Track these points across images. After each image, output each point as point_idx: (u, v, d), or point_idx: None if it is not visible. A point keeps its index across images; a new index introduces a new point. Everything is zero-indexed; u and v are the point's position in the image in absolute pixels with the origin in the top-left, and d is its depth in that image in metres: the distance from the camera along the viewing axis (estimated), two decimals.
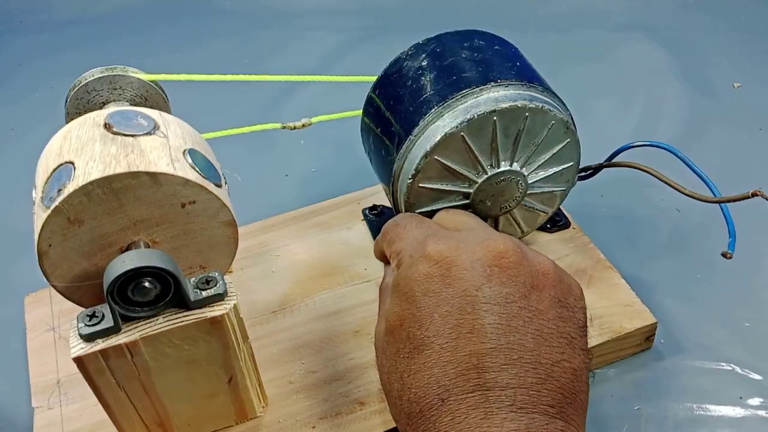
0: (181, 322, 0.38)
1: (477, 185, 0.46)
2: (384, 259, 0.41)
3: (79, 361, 0.37)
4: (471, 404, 0.30)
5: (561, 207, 0.54)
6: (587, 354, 0.34)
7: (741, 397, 0.49)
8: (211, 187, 0.40)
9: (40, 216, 0.38)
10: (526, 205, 0.50)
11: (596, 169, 0.52)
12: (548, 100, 0.45)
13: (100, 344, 0.37)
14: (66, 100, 0.47)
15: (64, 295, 0.41)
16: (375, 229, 0.58)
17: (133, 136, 0.39)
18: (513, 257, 0.34)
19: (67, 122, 0.45)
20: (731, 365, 0.51)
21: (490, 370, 0.31)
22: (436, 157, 0.45)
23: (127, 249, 0.40)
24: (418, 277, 0.34)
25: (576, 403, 0.32)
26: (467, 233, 0.37)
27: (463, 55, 0.47)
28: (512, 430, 0.29)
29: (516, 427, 0.29)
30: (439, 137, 0.44)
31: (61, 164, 0.38)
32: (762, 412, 0.48)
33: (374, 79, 0.50)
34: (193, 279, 0.39)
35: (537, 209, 0.51)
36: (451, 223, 0.40)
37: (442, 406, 0.31)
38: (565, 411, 0.31)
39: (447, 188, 0.46)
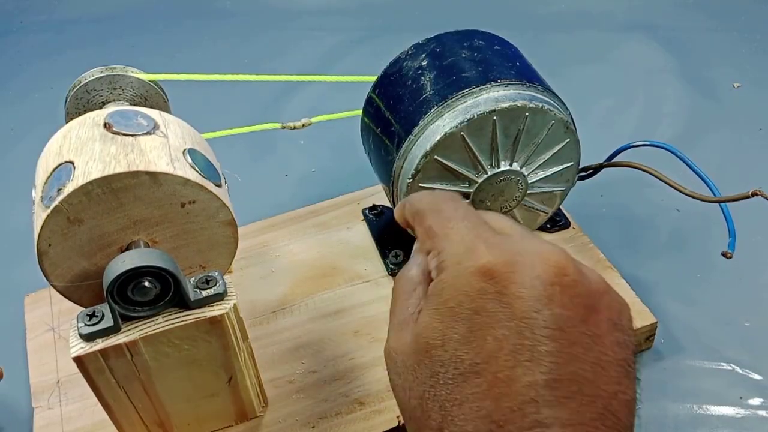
0: (181, 321, 0.38)
1: (477, 185, 0.46)
2: (408, 226, 0.36)
3: (78, 360, 0.37)
4: None
5: (561, 207, 0.54)
6: (638, 383, 0.30)
7: (741, 397, 0.49)
8: (210, 186, 0.40)
9: (40, 216, 0.38)
10: (526, 205, 0.50)
11: (596, 169, 0.52)
12: (548, 99, 0.45)
13: (100, 344, 0.37)
14: (66, 100, 0.47)
15: (63, 295, 0.41)
16: (375, 229, 0.58)
17: (132, 135, 0.39)
18: (573, 275, 0.30)
19: (66, 122, 0.45)
20: (731, 365, 0.51)
21: (549, 405, 0.27)
22: (436, 156, 0.45)
23: (127, 248, 0.40)
24: (471, 291, 0.29)
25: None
26: (521, 241, 0.32)
27: (463, 55, 0.47)
28: None
29: None
30: (438, 137, 0.44)
31: (61, 164, 0.38)
32: (762, 412, 0.48)
33: (374, 79, 0.50)
34: (193, 279, 0.39)
35: (537, 209, 0.51)
36: (498, 224, 0.34)
37: None
38: None
39: (447, 188, 0.46)
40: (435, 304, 0.30)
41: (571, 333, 0.29)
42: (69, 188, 0.37)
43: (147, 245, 0.40)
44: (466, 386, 0.28)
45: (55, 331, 0.53)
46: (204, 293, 0.39)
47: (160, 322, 0.38)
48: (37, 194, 0.39)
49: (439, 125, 0.44)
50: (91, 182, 0.36)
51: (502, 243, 0.31)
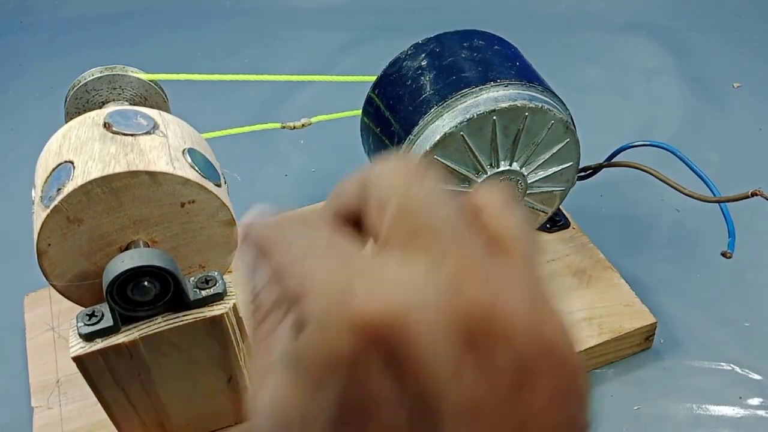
0: (181, 321, 0.38)
1: (477, 185, 0.46)
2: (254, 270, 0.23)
3: (78, 360, 0.37)
4: None
5: (560, 207, 0.54)
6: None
7: (741, 397, 0.49)
8: (210, 186, 0.40)
9: (40, 215, 0.37)
10: (526, 205, 0.50)
11: (596, 169, 0.52)
12: (548, 99, 0.45)
13: (100, 344, 0.37)
14: (65, 100, 0.47)
15: (63, 295, 0.41)
16: None
17: (132, 135, 0.39)
18: (508, 319, 0.19)
19: (66, 122, 0.45)
20: (731, 365, 0.51)
21: None
22: (435, 156, 0.45)
23: (127, 248, 0.39)
24: (342, 359, 0.18)
25: None
26: (422, 258, 0.19)
27: (463, 55, 0.47)
28: None
29: None
30: (438, 137, 0.44)
31: (61, 163, 0.38)
32: (761, 412, 0.48)
33: (374, 79, 0.50)
34: (193, 278, 0.39)
35: (537, 209, 0.51)
36: (402, 225, 0.21)
37: None
38: None
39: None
40: (293, 373, 0.20)
41: (491, 416, 0.19)
42: (69, 188, 0.37)
43: (147, 245, 0.40)
44: None
45: (55, 331, 0.53)
46: (204, 293, 0.39)
47: (160, 322, 0.38)
48: (36, 194, 0.39)
49: (439, 125, 0.44)
50: (90, 182, 0.36)
51: (389, 271, 0.19)
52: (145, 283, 0.37)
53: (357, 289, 0.18)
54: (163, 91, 0.49)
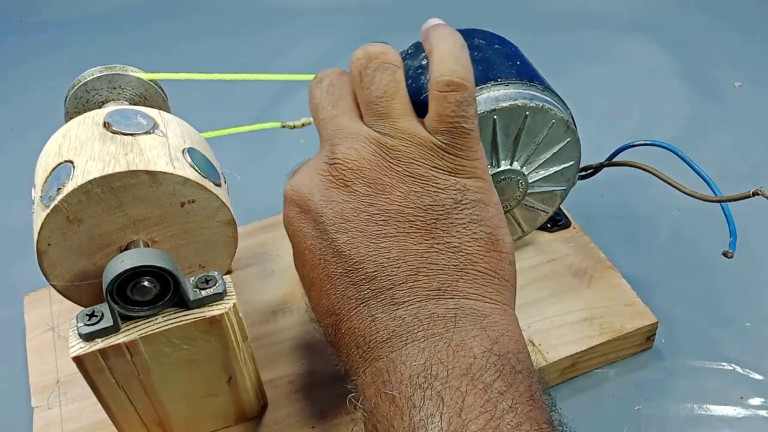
0: (181, 321, 0.38)
1: None
2: None
3: (78, 360, 0.37)
4: (359, 318, 0.32)
5: (561, 206, 0.54)
6: (481, 225, 0.34)
7: (742, 397, 0.49)
8: (210, 186, 0.40)
9: (40, 215, 0.37)
10: (526, 205, 0.50)
11: (597, 169, 0.52)
12: (548, 99, 0.45)
13: (100, 344, 0.37)
14: (65, 100, 0.47)
15: (63, 295, 0.41)
16: None
17: (132, 135, 0.39)
18: (344, 166, 0.34)
19: (66, 121, 0.45)
20: (732, 365, 0.51)
21: (362, 283, 0.32)
22: None
23: (127, 248, 0.39)
24: (286, 219, 0.37)
25: (469, 276, 0.33)
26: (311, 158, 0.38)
27: None
28: (398, 325, 0.31)
29: (399, 323, 0.31)
30: None
31: (60, 163, 0.38)
32: (763, 412, 0.48)
33: None
34: (193, 278, 0.39)
35: (537, 208, 0.51)
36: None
37: (338, 326, 0.34)
38: (457, 288, 0.32)
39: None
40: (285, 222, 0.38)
41: (359, 220, 0.33)
42: (68, 188, 0.37)
43: (146, 245, 0.40)
44: (311, 292, 0.36)
45: (55, 331, 0.53)
46: (203, 293, 0.39)
47: (160, 322, 0.38)
48: (36, 194, 0.39)
49: None
50: (90, 181, 0.36)
51: (309, 162, 0.38)
52: (145, 283, 0.37)
53: (292, 177, 0.38)
54: (162, 90, 0.49)
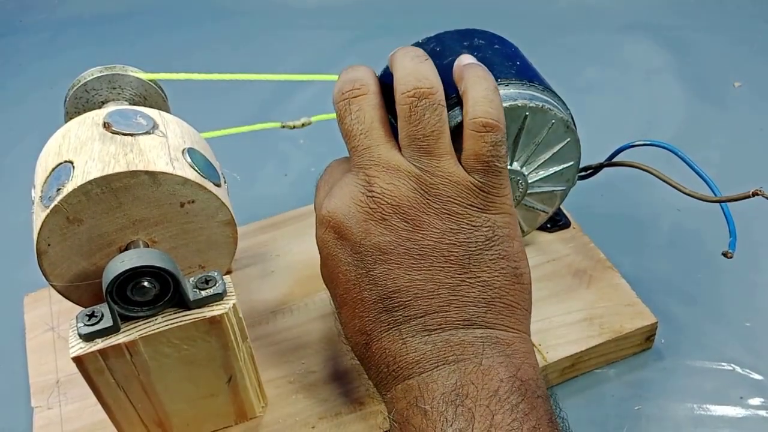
0: (180, 321, 0.38)
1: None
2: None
3: (78, 360, 0.37)
4: (390, 340, 0.34)
5: (561, 206, 0.54)
6: (508, 260, 0.36)
7: (741, 397, 0.49)
8: (210, 186, 0.40)
9: (39, 215, 0.37)
10: (526, 205, 0.50)
11: (596, 169, 0.52)
12: (548, 99, 0.45)
13: (99, 344, 0.37)
14: (65, 100, 0.47)
15: (63, 295, 0.41)
16: None
17: (132, 135, 0.39)
18: (383, 201, 0.35)
19: (66, 122, 0.45)
20: (732, 365, 0.51)
21: (396, 310, 0.34)
22: None
23: (126, 248, 0.39)
24: (321, 241, 0.37)
25: (496, 308, 0.35)
26: (344, 177, 0.38)
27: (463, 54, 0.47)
28: (429, 349, 0.34)
29: (431, 348, 0.34)
30: None
31: (60, 163, 0.38)
32: (763, 412, 0.48)
33: None
34: (193, 279, 0.39)
35: (537, 209, 0.51)
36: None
37: (368, 345, 0.35)
38: (485, 319, 0.34)
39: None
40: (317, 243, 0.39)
41: (397, 252, 0.35)
42: (68, 188, 0.37)
43: (146, 245, 0.40)
44: (343, 312, 0.37)
45: (55, 331, 0.53)
46: (203, 293, 0.39)
47: (160, 322, 0.38)
48: (36, 194, 0.39)
49: None
50: (90, 182, 0.36)
51: (337, 181, 0.39)
52: (145, 284, 0.37)
53: (330, 194, 0.37)
54: (162, 90, 0.49)
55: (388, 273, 0.34)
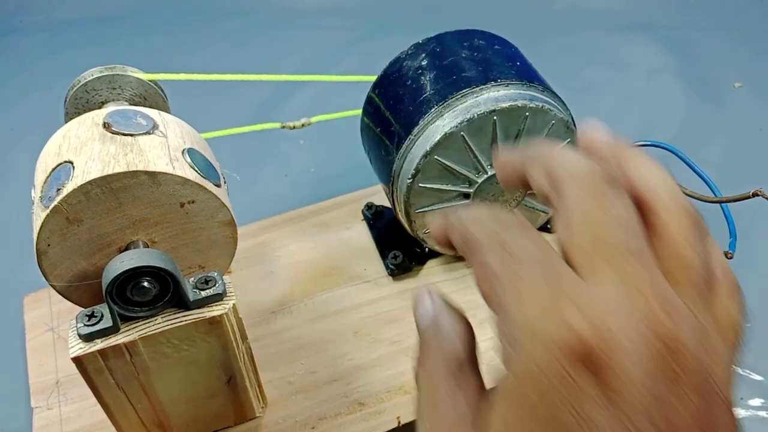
0: (180, 322, 0.38)
1: (477, 185, 0.46)
2: (449, 247, 0.25)
3: (77, 361, 0.37)
4: None
5: None
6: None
7: (741, 398, 0.49)
8: (210, 186, 0.40)
9: (39, 215, 0.37)
10: (526, 205, 0.50)
11: None
12: (548, 99, 0.45)
13: (99, 344, 0.37)
14: (65, 100, 0.47)
15: (63, 295, 0.41)
16: (374, 229, 0.58)
17: (132, 135, 0.39)
18: (690, 351, 0.21)
19: (66, 122, 0.45)
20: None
21: None
22: (436, 156, 0.44)
23: (126, 249, 0.39)
24: (558, 380, 0.19)
25: None
26: (603, 284, 0.20)
27: (463, 55, 0.47)
28: None
29: None
30: (438, 137, 0.44)
31: (60, 164, 0.38)
32: (763, 413, 0.48)
33: (374, 79, 0.50)
34: (192, 279, 0.39)
35: (537, 209, 0.51)
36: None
37: None
38: None
39: (447, 188, 0.46)
40: (510, 400, 0.20)
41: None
42: (68, 188, 0.36)
43: (146, 245, 0.40)
44: None
45: (55, 332, 0.53)
46: (203, 293, 0.39)
47: (159, 323, 0.38)
48: (36, 194, 0.39)
49: (439, 125, 0.44)
50: (90, 182, 0.36)
51: (588, 295, 0.20)
52: (145, 284, 0.37)
53: (564, 309, 0.19)
54: (162, 91, 0.49)
55: None
